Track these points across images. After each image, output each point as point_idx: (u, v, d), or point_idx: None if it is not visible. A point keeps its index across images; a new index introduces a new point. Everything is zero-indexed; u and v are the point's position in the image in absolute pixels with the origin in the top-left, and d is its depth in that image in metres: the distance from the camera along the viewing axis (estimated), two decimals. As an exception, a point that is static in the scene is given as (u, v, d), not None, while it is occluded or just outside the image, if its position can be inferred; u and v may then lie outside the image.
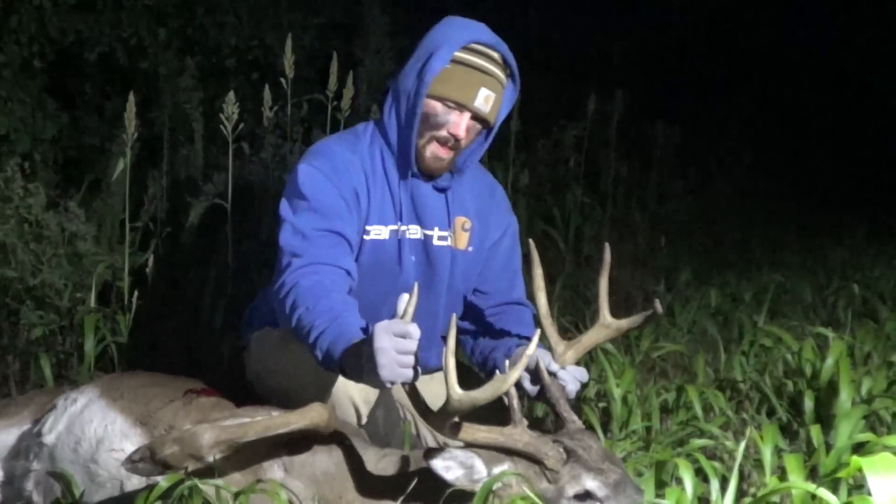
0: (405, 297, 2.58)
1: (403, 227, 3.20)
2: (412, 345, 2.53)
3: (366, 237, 3.14)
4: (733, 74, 10.51)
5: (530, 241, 3.01)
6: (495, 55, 3.10)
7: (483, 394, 2.47)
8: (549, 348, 2.93)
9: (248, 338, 3.32)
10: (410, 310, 2.54)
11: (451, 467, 2.55)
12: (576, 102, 7.35)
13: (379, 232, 3.16)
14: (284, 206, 3.08)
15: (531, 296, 3.02)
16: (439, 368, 3.16)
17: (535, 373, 2.93)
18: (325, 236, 3.00)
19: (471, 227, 3.28)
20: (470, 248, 3.27)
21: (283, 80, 4.71)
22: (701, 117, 9.49)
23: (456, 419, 2.54)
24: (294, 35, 4.81)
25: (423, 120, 3.08)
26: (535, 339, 2.58)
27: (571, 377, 2.94)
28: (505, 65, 3.14)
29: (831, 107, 10.82)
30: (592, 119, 7.14)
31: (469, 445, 2.59)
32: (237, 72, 6.44)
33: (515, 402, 2.63)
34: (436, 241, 3.24)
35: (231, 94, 4.53)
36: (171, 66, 5.89)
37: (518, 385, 2.77)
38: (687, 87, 9.77)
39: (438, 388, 3.09)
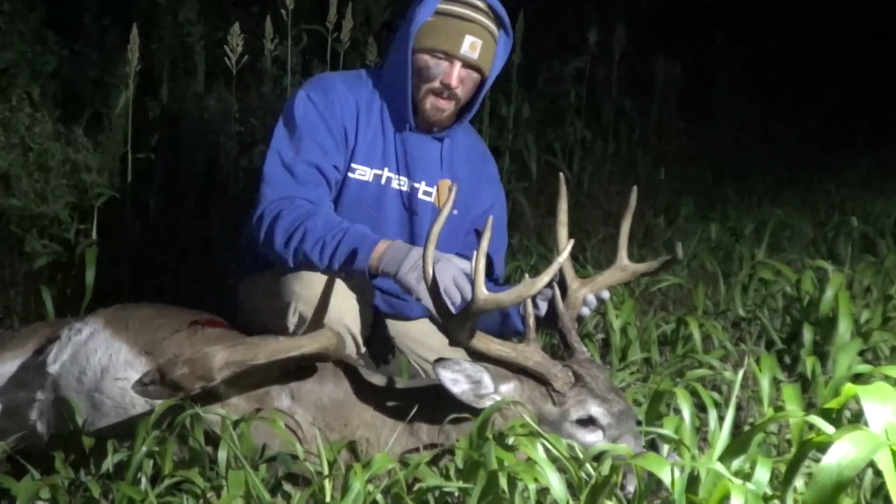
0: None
1: (391, 175, 3.24)
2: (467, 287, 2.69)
3: (350, 174, 3.18)
4: (736, 9, 10.42)
5: (560, 174, 3.02)
6: (480, 4, 3.14)
7: (508, 296, 2.49)
8: (565, 284, 2.94)
9: (237, 287, 3.34)
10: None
11: (458, 380, 2.55)
12: (577, 36, 7.30)
13: (363, 173, 3.20)
14: (278, 130, 3.14)
15: (554, 229, 3.02)
16: (421, 316, 3.23)
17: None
18: (308, 173, 3.06)
19: (457, 191, 3.30)
20: (455, 211, 3.27)
21: (283, 11, 4.68)
22: (703, 52, 9.43)
23: (473, 328, 2.56)
24: (292, -34, 4.76)
25: (416, 74, 3.14)
26: (568, 248, 2.60)
27: (593, 300, 3.00)
28: (494, 14, 3.17)
29: (833, 42, 10.74)
30: (593, 53, 7.10)
31: (480, 357, 2.60)
32: (237, 4, 6.37)
33: (532, 321, 2.65)
34: (420, 195, 3.28)
35: (236, 26, 4.52)
36: (170, -3, 5.82)
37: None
38: (689, 21, 9.68)
39: (417, 334, 3.26)
